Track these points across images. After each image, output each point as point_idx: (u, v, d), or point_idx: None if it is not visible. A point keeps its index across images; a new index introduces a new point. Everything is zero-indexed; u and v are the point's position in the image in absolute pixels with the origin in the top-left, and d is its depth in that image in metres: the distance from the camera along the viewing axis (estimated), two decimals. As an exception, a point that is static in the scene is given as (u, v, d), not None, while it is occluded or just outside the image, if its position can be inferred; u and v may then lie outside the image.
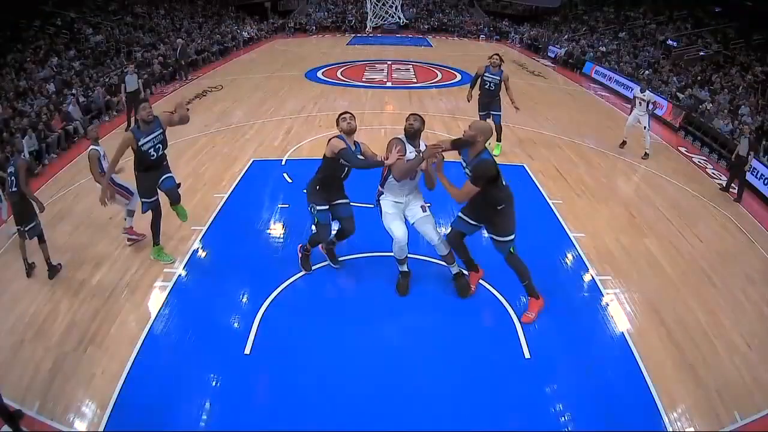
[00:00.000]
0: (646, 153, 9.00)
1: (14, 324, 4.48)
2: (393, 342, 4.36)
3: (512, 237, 4.40)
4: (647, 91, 9.15)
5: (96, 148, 5.52)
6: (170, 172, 5.29)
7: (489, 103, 8.29)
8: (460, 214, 4.63)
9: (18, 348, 4.21)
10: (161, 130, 5.02)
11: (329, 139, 4.65)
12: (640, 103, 9.03)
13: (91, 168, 5.55)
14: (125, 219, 5.72)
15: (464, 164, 4.39)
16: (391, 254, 4.75)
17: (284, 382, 3.93)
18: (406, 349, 4.28)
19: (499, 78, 8.07)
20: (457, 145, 4.32)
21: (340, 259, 5.25)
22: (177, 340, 4.35)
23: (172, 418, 3.60)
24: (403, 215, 4.68)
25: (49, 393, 3.77)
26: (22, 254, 5.15)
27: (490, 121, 8.07)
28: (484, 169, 4.15)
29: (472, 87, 8.56)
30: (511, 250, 4.44)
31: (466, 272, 4.95)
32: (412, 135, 4.49)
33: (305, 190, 4.88)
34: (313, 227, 4.94)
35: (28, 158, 7.79)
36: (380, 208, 4.72)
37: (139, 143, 4.91)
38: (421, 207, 4.64)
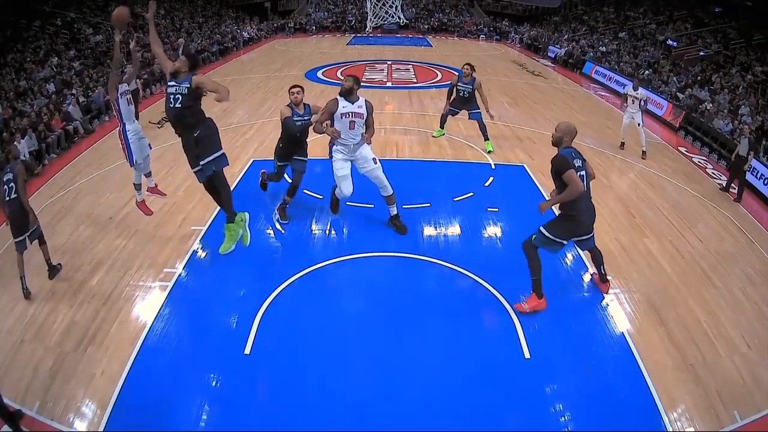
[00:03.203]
0: (643, 152, 8.98)
1: (14, 324, 4.48)
2: (393, 342, 4.35)
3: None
4: (640, 89, 9.03)
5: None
6: (214, 147, 5.00)
7: (464, 105, 8.66)
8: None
9: (18, 348, 4.21)
10: (188, 86, 4.80)
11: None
12: (633, 101, 8.96)
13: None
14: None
15: None
16: (393, 254, 4.75)
17: (284, 382, 3.92)
18: (406, 348, 4.28)
19: (471, 86, 8.43)
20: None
21: (342, 258, 5.20)
22: (177, 340, 4.35)
23: (172, 418, 3.60)
24: (350, 165, 5.45)
25: (49, 393, 3.77)
26: (20, 272, 4.85)
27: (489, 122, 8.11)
28: (556, 163, 4.35)
29: (449, 98, 8.83)
30: (533, 239, 4.62)
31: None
32: (347, 92, 5.34)
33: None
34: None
35: (28, 158, 7.77)
36: (332, 157, 5.48)
37: (168, 84, 4.84)
38: (372, 159, 5.41)
